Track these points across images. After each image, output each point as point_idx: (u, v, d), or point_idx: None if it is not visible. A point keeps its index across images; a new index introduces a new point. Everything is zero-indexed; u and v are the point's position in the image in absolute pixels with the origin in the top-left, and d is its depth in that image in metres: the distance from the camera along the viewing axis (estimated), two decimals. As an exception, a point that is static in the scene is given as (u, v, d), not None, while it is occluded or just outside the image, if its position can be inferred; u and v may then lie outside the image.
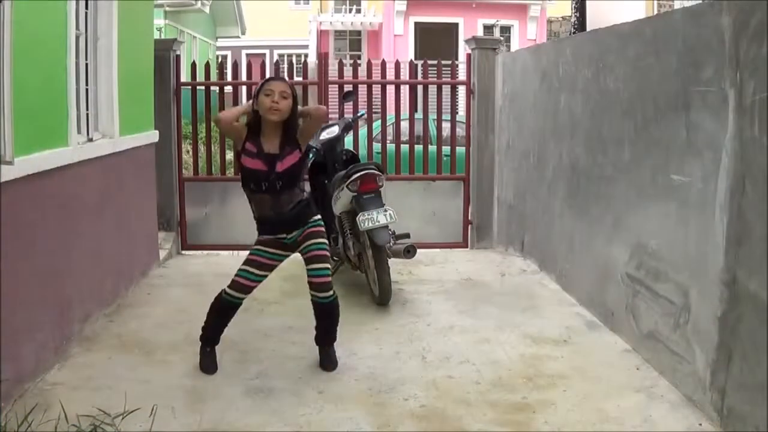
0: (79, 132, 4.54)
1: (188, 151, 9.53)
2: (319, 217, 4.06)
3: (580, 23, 12.81)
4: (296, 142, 3.90)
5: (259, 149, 3.83)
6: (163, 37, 14.85)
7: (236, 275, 3.97)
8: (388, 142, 7.49)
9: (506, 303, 5.25)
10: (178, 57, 7.02)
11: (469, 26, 21.12)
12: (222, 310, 4.05)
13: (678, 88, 3.76)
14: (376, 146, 7.75)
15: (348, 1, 24.16)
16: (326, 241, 4.06)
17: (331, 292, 4.00)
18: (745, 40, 3.17)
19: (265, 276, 4.02)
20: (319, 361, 4.11)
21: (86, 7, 4.83)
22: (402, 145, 7.26)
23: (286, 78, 3.81)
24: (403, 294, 5.47)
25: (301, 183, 4.00)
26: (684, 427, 3.39)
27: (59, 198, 4.18)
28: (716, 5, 3.41)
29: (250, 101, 3.97)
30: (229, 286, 3.98)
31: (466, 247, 7.17)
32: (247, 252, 4.05)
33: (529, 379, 3.93)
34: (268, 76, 3.87)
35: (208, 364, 4.03)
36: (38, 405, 3.45)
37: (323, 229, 4.05)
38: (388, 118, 7.92)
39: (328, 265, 4.03)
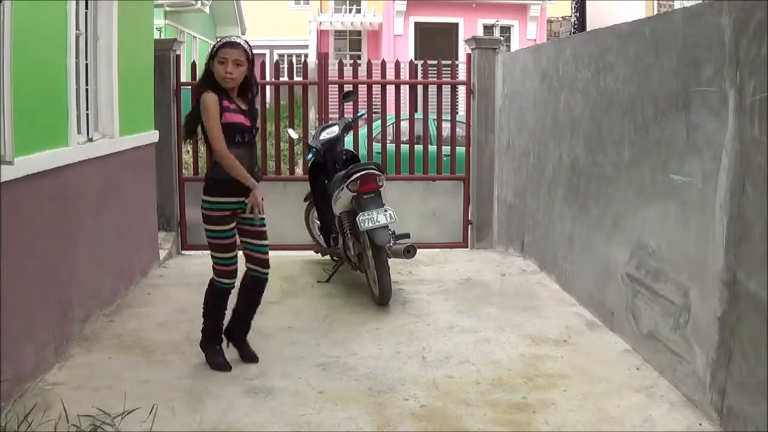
0: (79, 132, 4.54)
1: (188, 151, 9.54)
2: None
3: (580, 23, 12.79)
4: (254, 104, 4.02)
5: (237, 105, 3.91)
6: (163, 37, 14.84)
7: (218, 264, 3.99)
8: (388, 142, 7.50)
9: (506, 303, 5.25)
10: (178, 57, 7.02)
11: (469, 26, 21.12)
12: (217, 298, 4.07)
13: (678, 88, 3.76)
14: (376, 146, 7.75)
15: (348, 1, 24.15)
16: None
17: (269, 269, 4.14)
18: (745, 40, 3.17)
19: (237, 252, 4.05)
20: (241, 355, 4.15)
21: (86, 7, 4.83)
22: (402, 145, 7.26)
23: (242, 42, 3.83)
24: (403, 294, 5.47)
25: None
26: (684, 427, 3.39)
27: (59, 198, 4.18)
28: (716, 5, 3.41)
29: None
30: (217, 276, 4.02)
31: (466, 247, 7.18)
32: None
33: (529, 379, 3.93)
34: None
35: (222, 362, 4.05)
36: (38, 405, 3.45)
37: None
38: (388, 118, 7.92)
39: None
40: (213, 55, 3.83)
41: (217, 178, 3.90)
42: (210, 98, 3.81)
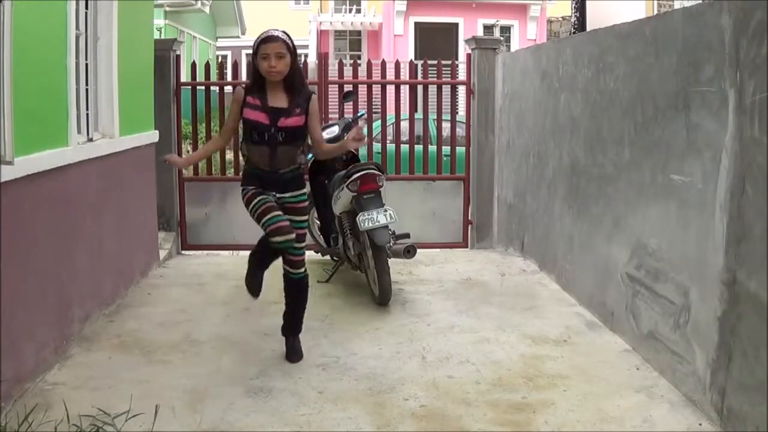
0: (79, 132, 4.54)
1: (188, 151, 9.52)
2: (305, 191, 4.12)
3: (580, 23, 12.79)
4: (306, 105, 3.96)
5: (263, 103, 3.91)
6: (163, 37, 14.84)
7: (267, 225, 3.85)
8: (388, 142, 7.50)
9: (506, 303, 5.25)
10: (178, 57, 7.02)
11: (469, 26, 21.14)
12: (267, 250, 4.03)
13: (678, 88, 3.76)
14: (376, 146, 7.75)
15: (348, 1, 24.16)
16: (307, 218, 4.16)
17: (304, 269, 4.15)
18: (745, 40, 3.17)
19: (280, 213, 3.93)
20: (285, 352, 4.19)
21: (86, 7, 4.83)
22: (402, 145, 7.26)
23: (280, 34, 3.87)
24: (403, 294, 5.47)
25: (302, 148, 4.06)
26: (684, 427, 3.39)
27: (59, 198, 4.18)
28: (716, 5, 3.41)
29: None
30: (269, 236, 3.87)
31: (466, 247, 7.18)
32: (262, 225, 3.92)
33: (529, 379, 3.93)
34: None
35: (255, 285, 4.11)
36: (38, 405, 3.45)
37: (306, 204, 4.13)
38: (388, 118, 7.92)
39: (305, 244, 4.15)
40: (255, 53, 3.87)
41: (244, 170, 4.08)
42: (235, 93, 4.00)
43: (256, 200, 3.96)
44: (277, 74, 3.85)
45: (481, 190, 7.14)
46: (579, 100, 5.14)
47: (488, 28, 21.58)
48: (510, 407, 3.60)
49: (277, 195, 4.00)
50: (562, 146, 5.46)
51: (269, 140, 3.91)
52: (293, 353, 4.20)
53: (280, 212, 3.92)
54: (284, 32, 3.91)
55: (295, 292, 4.21)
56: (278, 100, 3.93)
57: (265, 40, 3.85)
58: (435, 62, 7.24)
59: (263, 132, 3.90)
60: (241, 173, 4.11)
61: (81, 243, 4.51)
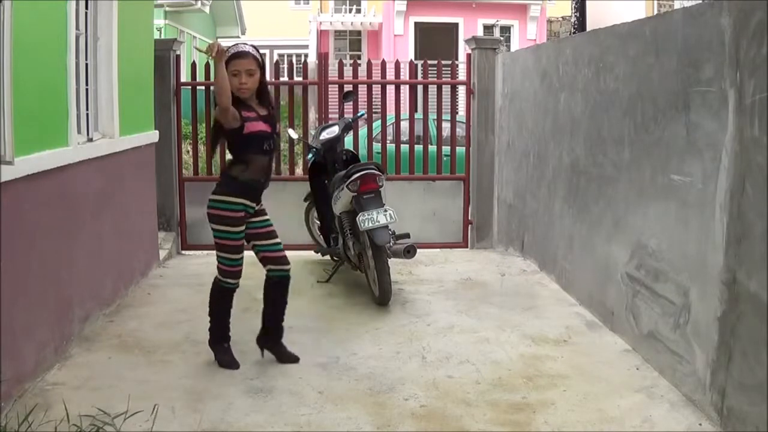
0: (79, 132, 4.54)
1: (188, 151, 9.53)
2: None
3: (580, 23, 12.80)
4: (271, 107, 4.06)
5: (255, 113, 3.91)
6: (163, 37, 14.84)
7: (224, 265, 4.01)
8: (388, 142, 7.50)
9: (506, 303, 5.25)
10: (178, 57, 7.02)
11: (469, 26, 21.14)
12: (222, 298, 4.08)
13: (678, 88, 3.76)
14: (376, 146, 7.75)
15: (348, 1, 24.16)
16: None
17: (290, 265, 4.14)
18: (745, 40, 3.17)
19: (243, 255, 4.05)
20: (279, 359, 4.16)
21: (86, 7, 4.83)
22: (402, 145, 7.26)
23: (250, 49, 3.85)
24: (403, 294, 5.47)
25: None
26: (684, 427, 3.39)
27: (59, 198, 4.18)
28: (716, 5, 3.41)
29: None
30: (222, 276, 4.04)
31: (466, 247, 7.18)
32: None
33: (529, 379, 3.93)
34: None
35: (229, 360, 4.08)
36: (38, 405, 3.45)
37: None
38: (388, 118, 7.92)
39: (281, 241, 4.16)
40: (225, 68, 3.81)
41: (239, 178, 3.92)
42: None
43: (235, 229, 3.94)
44: (246, 91, 3.86)
45: (481, 190, 7.14)
46: (579, 100, 5.14)
47: (488, 28, 21.58)
48: (510, 407, 3.60)
49: (256, 206, 4.01)
50: (562, 146, 5.46)
51: (270, 150, 3.97)
52: (289, 357, 4.16)
53: (238, 255, 4.00)
54: (254, 47, 3.91)
55: (283, 292, 4.14)
56: (260, 108, 3.97)
57: (234, 56, 3.81)
58: (435, 62, 7.24)
59: (270, 141, 3.95)
60: (224, 177, 4.02)
61: (81, 243, 4.51)
